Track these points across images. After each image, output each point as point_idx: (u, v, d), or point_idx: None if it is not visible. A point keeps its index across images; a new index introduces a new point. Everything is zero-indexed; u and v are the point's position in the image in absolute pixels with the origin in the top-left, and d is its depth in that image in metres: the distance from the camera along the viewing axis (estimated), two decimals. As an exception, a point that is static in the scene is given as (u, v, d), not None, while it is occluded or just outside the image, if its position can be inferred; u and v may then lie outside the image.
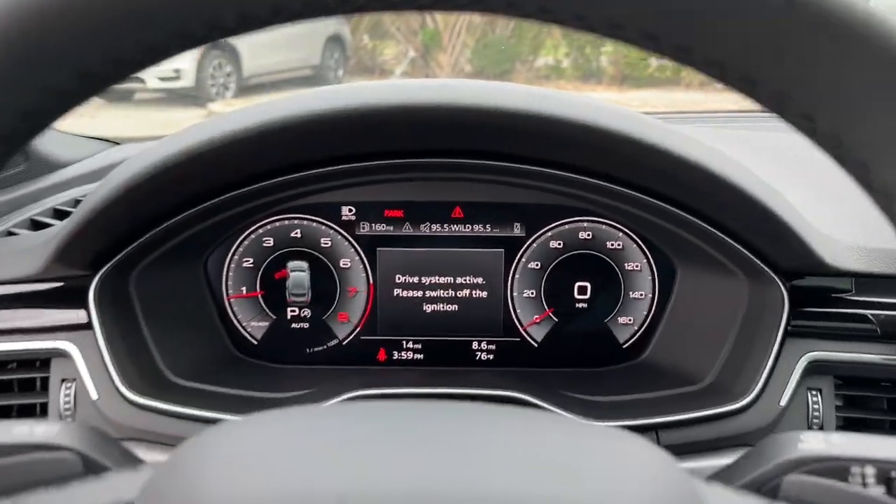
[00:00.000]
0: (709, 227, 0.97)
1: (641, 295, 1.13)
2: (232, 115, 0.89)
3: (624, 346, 1.15)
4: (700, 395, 1.02)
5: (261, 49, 9.10)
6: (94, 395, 0.96)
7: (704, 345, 1.06)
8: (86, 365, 0.96)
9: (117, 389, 0.95)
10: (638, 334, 1.15)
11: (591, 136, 0.84)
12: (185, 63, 8.25)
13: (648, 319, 1.14)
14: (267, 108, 0.87)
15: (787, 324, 0.97)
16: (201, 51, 8.36)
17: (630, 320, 1.14)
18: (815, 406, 0.97)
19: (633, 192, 0.97)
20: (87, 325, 0.96)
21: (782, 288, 0.97)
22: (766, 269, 0.97)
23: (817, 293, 1.00)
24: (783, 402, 0.96)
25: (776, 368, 0.96)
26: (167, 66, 8.17)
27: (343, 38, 11.78)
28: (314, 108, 0.85)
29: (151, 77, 8.19)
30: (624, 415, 0.98)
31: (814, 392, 0.98)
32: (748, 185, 0.86)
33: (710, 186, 0.87)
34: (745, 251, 0.97)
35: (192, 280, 1.11)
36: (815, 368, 0.98)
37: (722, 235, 0.97)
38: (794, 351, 0.98)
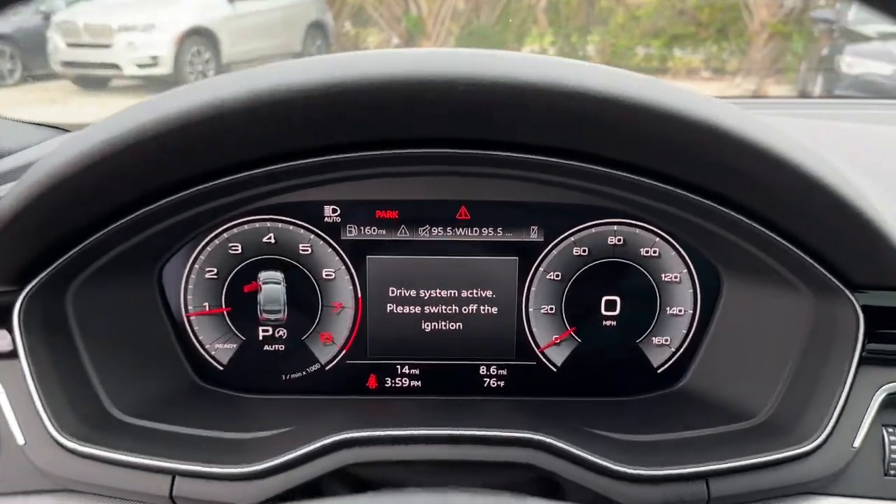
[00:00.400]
0: (769, 232, 0.80)
1: (680, 311, 0.99)
2: (186, 89, 0.71)
3: (659, 372, 1.00)
4: (755, 434, 0.88)
5: (240, 35, 8.96)
6: (20, 439, 0.81)
7: (757, 372, 0.91)
8: (10, 402, 0.82)
9: (48, 433, 0.80)
10: (675, 357, 1.00)
11: (649, 121, 0.67)
12: (162, 50, 8.12)
13: (688, 340, 1.00)
14: (230, 81, 0.68)
15: (863, 349, 0.82)
16: (180, 37, 8.23)
17: (666, 341, 1.00)
18: (894, 447, 0.84)
19: (678, 190, 0.80)
20: (12, 353, 0.82)
21: (856, 305, 0.81)
22: (836, 282, 0.81)
23: (893, 312, 0.84)
24: (857, 444, 0.82)
25: (849, 403, 0.83)
26: (145, 53, 8.02)
27: (325, 25, 11.62)
28: (287, 82, 0.67)
29: (129, 64, 8.05)
30: (666, 459, 0.83)
31: (891, 429, 0.85)
32: (840, 184, 0.70)
33: (793, 185, 0.71)
34: (811, 261, 0.81)
35: (143, 295, 0.95)
36: (892, 401, 0.84)
37: (784, 242, 0.80)
38: (869, 381, 0.84)
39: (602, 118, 0.69)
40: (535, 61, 0.69)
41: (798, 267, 0.84)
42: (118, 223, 0.81)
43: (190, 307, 0.97)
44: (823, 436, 0.81)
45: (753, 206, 0.79)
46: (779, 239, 0.81)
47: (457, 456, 0.83)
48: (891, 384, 0.83)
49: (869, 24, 7.53)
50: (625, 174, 0.81)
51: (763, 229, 0.81)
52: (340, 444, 0.81)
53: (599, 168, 0.81)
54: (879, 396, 0.83)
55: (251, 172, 0.82)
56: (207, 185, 0.82)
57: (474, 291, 0.97)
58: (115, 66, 8.13)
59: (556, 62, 0.70)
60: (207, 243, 0.96)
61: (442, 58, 0.70)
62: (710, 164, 0.73)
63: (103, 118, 0.74)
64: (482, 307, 0.98)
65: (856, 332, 0.82)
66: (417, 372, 1.00)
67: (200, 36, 8.61)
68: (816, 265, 0.82)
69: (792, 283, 0.87)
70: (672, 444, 0.87)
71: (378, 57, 0.69)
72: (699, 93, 0.71)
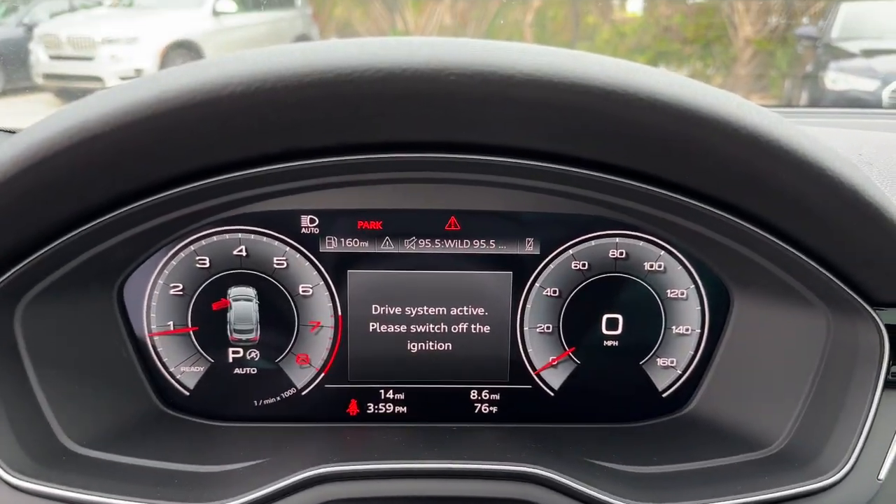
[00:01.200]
0: (786, 247, 0.73)
1: (687, 330, 0.92)
2: (142, 81, 0.63)
3: (664, 396, 0.93)
4: (769, 466, 0.81)
5: (226, 49, 8.93)
6: None
7: (771, 397, 0.85)
8: None
9: None
10: (682, 380, 0.93)
11: (668, 122, 0.60)
12: (146, 63, 8.05)
13: (695, 361, 0.92)
14: (184, 73, 0.61)
15: (888, 372, 0.75)
16: (164, 50, 8.17)
17: (672, 362, 0.92)
18: None
19: (691, 201, 0.73)
20: None
21: (880, 324, 0.75)
22: (858, 299, 0.74)
23: None
24: (882, 476, 0.75)
25: (872, 430, 0.76)
26: (128, 66, 7.95)
27: (311, 39, 11.61)
28: (248, 72, 0.59)
29: (112, 77, 7.96)
30: (674, 494, 0.76)
31: None
32: (879, 197, 0.64)
33: (832, 199, 0.64)
34: (831, 276, 0.74)
35: (101, 313, 0.86)
36: None
37: (803, 257, 0.74)
38: (894, 407, 0.76)
39: (616, 118, 0.61)
40: (531, 51, 0.62)
41: (816, 283, 0.77)
42: (73, 233, 0.73)
43: (153, 326, 0.89)
44: (846, 468, 0.74)
45: (777, 220, 0.72)
46: (797, 253, 0.74)
47: (446, 492, 0.75)
48: None
49: (852, 41, 7.60)
50: (630, 182, 0.73)
51: (780, 243, 0.74)
52: (316, 479, 0.73)
53: (602, 175, 0.74)
54: None
55: (220, 178, 0.74)
56: (172, 191, 0.74)
57: (465, 309, 0.90)
58: (98, 79, 8.04)
59: (556, 52, 0.63)
60: (172, 256, 0.87)
61: (428, 46, 0.62)
62: (740, 176, 0.66)
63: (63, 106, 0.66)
64: (473, 326, 0.90)
65: (880, 354, 0.75)
66: (403, 397, 0.91)
67: (185, 49, 8.57)
68: (837, 281, 0.75)
69: (808, 301, 0.81)
70: (680, 477, 0.80)
71: (355, 45, 0.62)
72: (728, 92, 0.64)
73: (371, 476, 0.75)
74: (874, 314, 0.75)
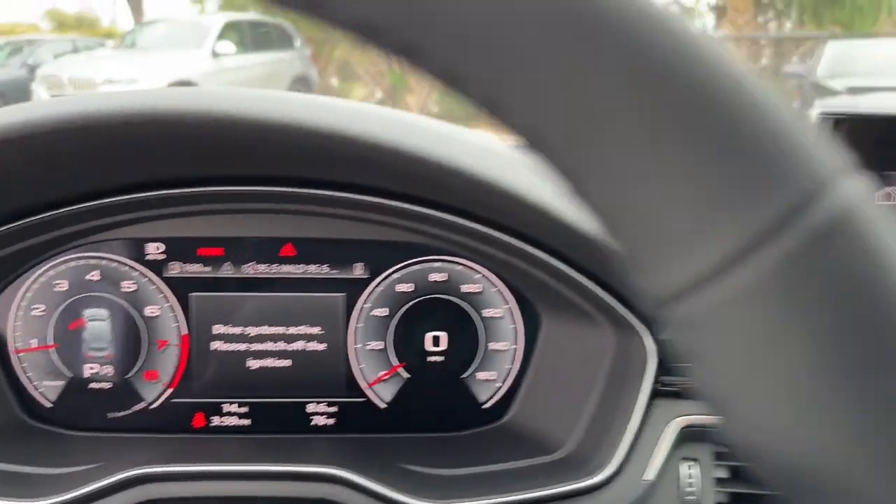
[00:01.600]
0: (566, 269, 0.83)
1: (504, 346, 0.99)
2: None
3: (484, 407, 0.99)
4: (556, 467, 0.88)
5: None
6: None
7: (566, 407, 0.93)
8: None
9: None
10: (500, 392, 1.00)
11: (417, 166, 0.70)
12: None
13: (513, 375, 0.99)
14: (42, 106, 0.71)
15: (655, 381, 0.83)
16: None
17: (492, 376, 0.99)
18: (690, 480, 0.84)
19: (485, 229, 0.83)
20: None
21: (647, 338, 0.83)
22: (627, 315, 0.83)
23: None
24: (649, 476, 0.83)
25: (641, 436, 0.84)
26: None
27: (310, 80, 11.81)
28: (96, 110, 0.70)
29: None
30: (464, 493, 0.83)
31: (689, 463, 0.84)
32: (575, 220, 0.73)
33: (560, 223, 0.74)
34: (605, 295, 0.83)
35: None
36: (689, 435, 0.85)
37: (579, 277, 0.83)
38: (664, 414, 0.85)
39: (386, 163, 0.72)
40: (340, 108, 0.73)
41: (597, 302, 0.86)
42: None
43: (18, 344, 0.97)
44: (612, 469, 0.81)
45: (546, 242, 0.82)
46: (574, 275, 0.84)
47: (253, 492, 0.83)
48: (685, 417, 0.84)
49: (837, 79, 7.73)
50: (437, 213, 0.84)
51: (562, 266, 0.84)
52: (135, 479, 0.81)
53: (415, 207, 0.84)
54: (673, 429, 0.83)
55: (75, 207, 0.84)
56: (31, 219, 0.84)
57: (301, 328, 0.98)
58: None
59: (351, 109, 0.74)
60: (35, 280, 0.96)
61: (247, 101, 0.72)
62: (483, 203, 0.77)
63: None
64: (309, 344, 0.98)
65: (646, 365, 0.84)
66: (245, 410, 0.99)
67: (186, 86, 8.74)
68: (609, 299, 0.84)
69: (596, 319, 0.89)
70: (477, 478, 0.87)
71: (198, 96, 0.72)
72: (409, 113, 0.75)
73: (186, 477, 0.83)
74: (643, 329, 0.84)
